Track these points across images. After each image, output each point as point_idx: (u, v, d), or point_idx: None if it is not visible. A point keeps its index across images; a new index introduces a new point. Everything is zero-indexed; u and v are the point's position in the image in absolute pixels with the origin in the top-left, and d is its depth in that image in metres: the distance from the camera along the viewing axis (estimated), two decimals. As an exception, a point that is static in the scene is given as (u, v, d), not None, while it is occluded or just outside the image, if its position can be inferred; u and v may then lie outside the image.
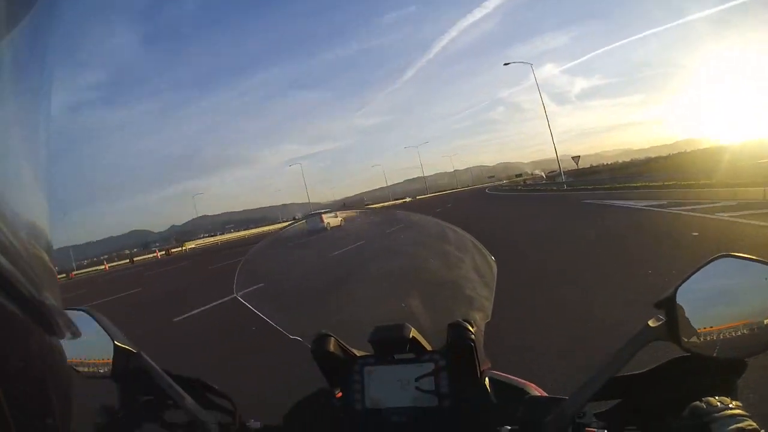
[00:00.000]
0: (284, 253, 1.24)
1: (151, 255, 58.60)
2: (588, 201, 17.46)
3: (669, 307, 0.62)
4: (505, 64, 39.63)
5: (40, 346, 0.30)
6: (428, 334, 0.88)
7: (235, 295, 0.98)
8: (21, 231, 0.29)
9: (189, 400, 0.75)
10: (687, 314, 0.61)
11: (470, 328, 0.81)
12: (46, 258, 0.32)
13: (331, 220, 20.25)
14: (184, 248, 60.06)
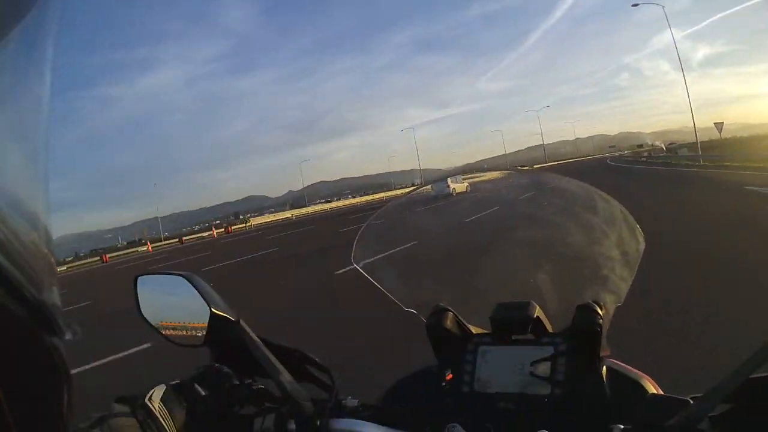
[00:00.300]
0: (407, 220, 1.20)
1: (206, 233, 47.83)
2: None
3: None
4: (634, 5, 34.86)
5: (40, 346, 0.29)
6: (553, 313, 0.83)
7: (353, 263, 0.96)
8: (21, 231, 0.28)
9: (284, 374, 0.73)
10: None
11: (599, 312, 0.75)
12: (47, 258, 0.31)
13: (456, 185, 20.03)
14: (248, 225, 49.01)
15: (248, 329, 0.74)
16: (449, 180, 19.96)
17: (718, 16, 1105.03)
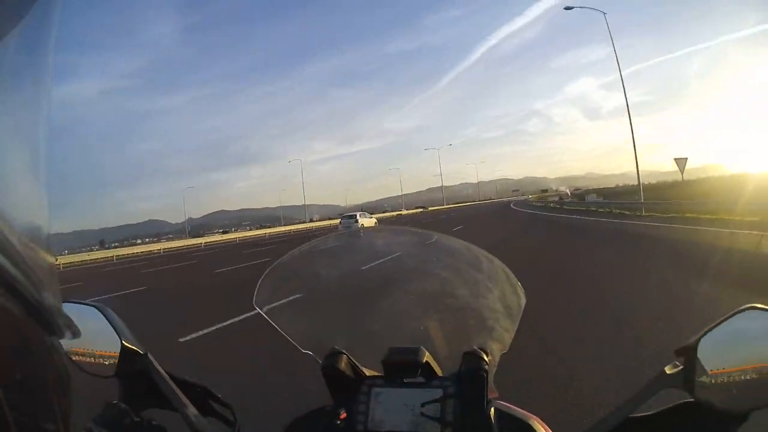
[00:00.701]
0: (305, 266, 1.22)
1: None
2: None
3: (689, 355, 0.63)
4: (567, 8, 26.37)
5: (40, 346, 0.30)
6: (442, 359, 0.88)
7: (254, 305, 0.98)
8: (21, 231, 0.29)
9: (190, 408, 0.74)
10: (705, 364, 0.62)
11: (485, 358, 0.81)
12: (46, 258, 0.32)
13: (365, 221, 19.91)
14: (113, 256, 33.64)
15: (155, 363, 0.76)
16: (358, 215, 20.37)
17: (635, 67, 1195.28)
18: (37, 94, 0.33)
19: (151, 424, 0.75)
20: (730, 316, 0.61)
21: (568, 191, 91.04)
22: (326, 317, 1.10)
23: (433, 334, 0.95)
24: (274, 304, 1.00)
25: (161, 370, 0.76)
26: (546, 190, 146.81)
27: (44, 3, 0.31)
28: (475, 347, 0.83)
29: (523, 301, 0.90)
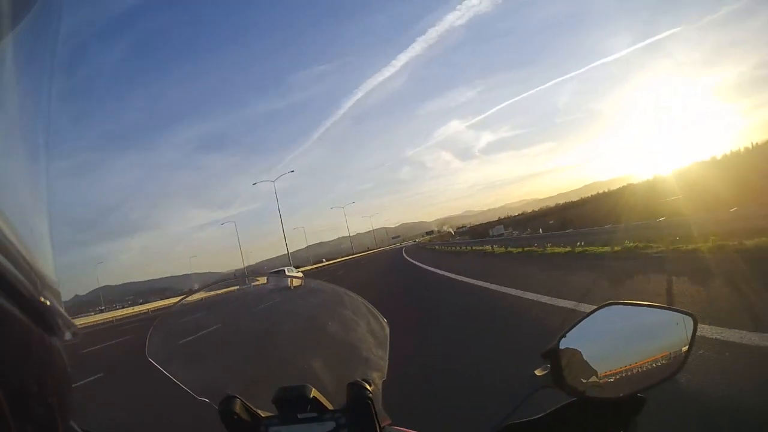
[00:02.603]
0: (193, 316, 1.22)
1: None
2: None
3: (553, 356, 0.67)
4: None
5: (40, 346, 0.30)
6: (330, 393, 0.91)
7: (146, 355, 0.97)
8: (21, 231, 0.29)
9: None
10: (571, 362, 0.66)
11: (368, 387, 0.84)
12: (46, 258, 0.32)
13: (292, 273, 19.92)
14: None
15: None
16: (286, 270, 20.23)
17: (502, 105, 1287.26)
18: (38, 95, 0.33)
19: None
20: (591, 313, 0.68)
21: (451, 230, 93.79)
22: (217, 363, 1.12)
23: (318, 371, 0.98)
24: (165, 353, 1.00)
25: None
26: (431, 232, 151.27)
27: (44, 3, 0.31)
28: (357, 378, 0.86)
29: (387, 329, 0.95)
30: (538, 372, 0.68)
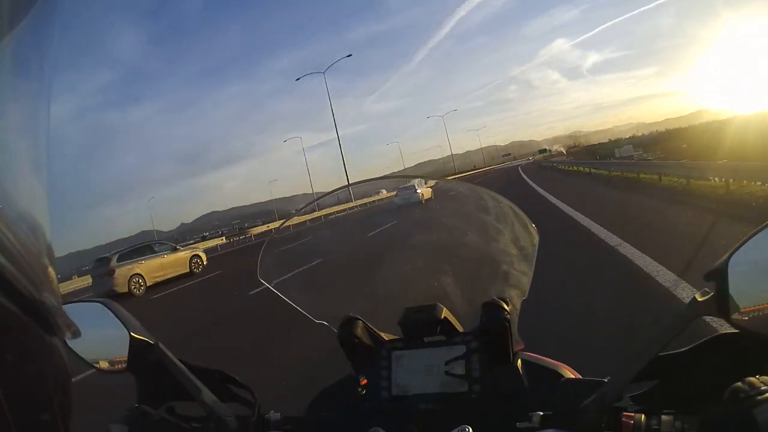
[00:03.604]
0: (310, 237, 1.15)
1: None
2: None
3: (719, 279, 0.55)
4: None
5: (40, 346, 0.30)
6: (461, 314, 0.85)
7: (258, 278, 0.94)
8: (21, 231, 0.29)
9: (206, 393, 0.73)
10: (739, 286, 0.55)
11: (505, 307, 0.77)
12: (46, 258, 0.32)
13: (424, 191, 16.93)
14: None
15: (167, 351, 0.74)
16: (416, 183, 15.75)
17: (606, 24, 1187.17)
18: (38, 95, 0.33)
19: (170, 421, 0.74)
20: (757, 232, 0.55)
21: (563, 150, 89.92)
22: (338, 285, 1.08)
23: (449, 289, 0.92)
24: (282, 278, 0.97)
25: (174, 359, 0.74)
26: (544, 150, 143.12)
27: (44, 3, 0.31)
28: (494, 297, 0.79)
29: (536, 239, 0.85)
30: (699, 296, 0.57)
